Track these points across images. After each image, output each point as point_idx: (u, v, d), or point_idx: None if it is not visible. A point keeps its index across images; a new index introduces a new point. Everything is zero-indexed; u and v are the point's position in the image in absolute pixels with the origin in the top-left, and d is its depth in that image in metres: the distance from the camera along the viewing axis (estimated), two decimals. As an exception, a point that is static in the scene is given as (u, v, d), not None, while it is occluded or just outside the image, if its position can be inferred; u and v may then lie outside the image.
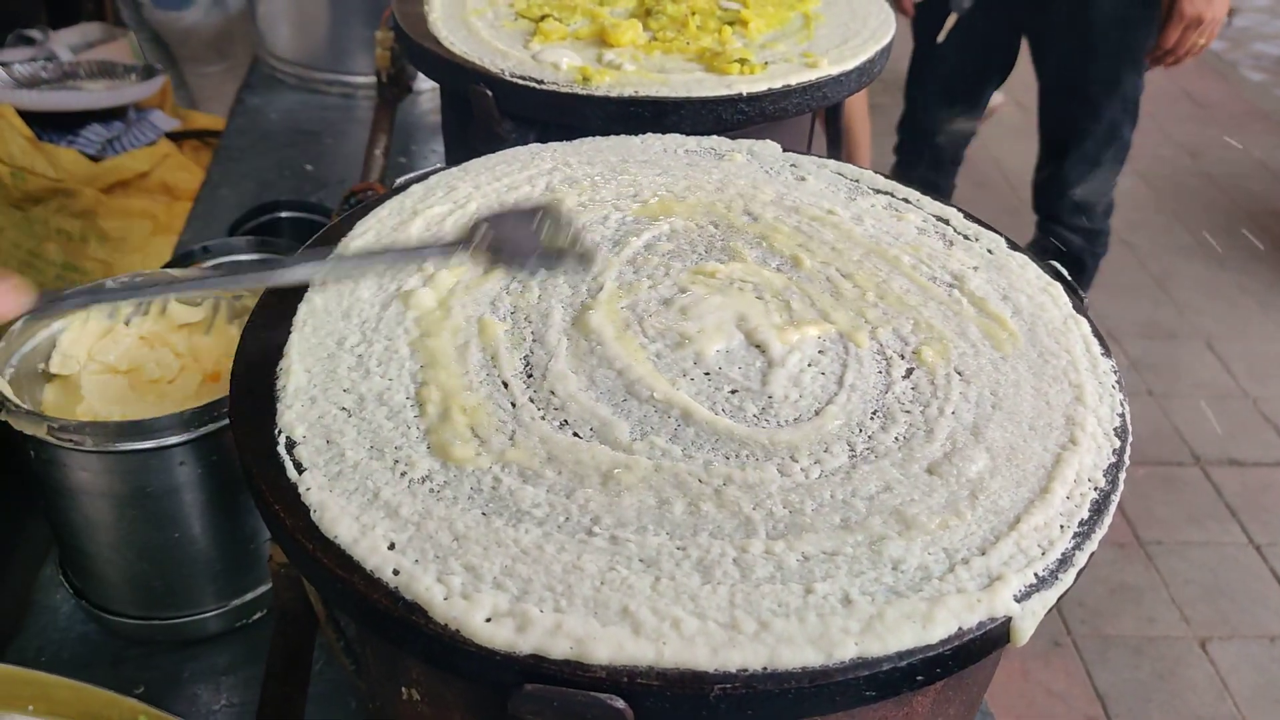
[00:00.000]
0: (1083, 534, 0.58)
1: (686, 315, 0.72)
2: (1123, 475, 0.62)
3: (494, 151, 0.93)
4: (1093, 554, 0.58)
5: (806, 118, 1.22)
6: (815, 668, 0.50)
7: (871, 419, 0.65)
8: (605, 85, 1.05)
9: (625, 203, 0.85)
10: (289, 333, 0.70)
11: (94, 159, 2.05)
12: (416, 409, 0.64)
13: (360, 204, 0.92)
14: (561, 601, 0.52)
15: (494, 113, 1.06)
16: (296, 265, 0.69)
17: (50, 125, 2.07)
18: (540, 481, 0.59)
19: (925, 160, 2.81)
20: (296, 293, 0.74)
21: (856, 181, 0.90)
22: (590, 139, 0.95)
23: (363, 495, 0.58)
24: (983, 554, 0.56)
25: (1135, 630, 2.34)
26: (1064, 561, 0.56)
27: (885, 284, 0.76)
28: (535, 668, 0.50)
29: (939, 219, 0.85)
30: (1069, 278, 0.79)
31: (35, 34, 2.30)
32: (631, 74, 1.07)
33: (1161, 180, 4.12)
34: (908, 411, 0.65)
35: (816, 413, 0.65)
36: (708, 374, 0.68)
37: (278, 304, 0.73)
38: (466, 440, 0.62)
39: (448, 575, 0.53)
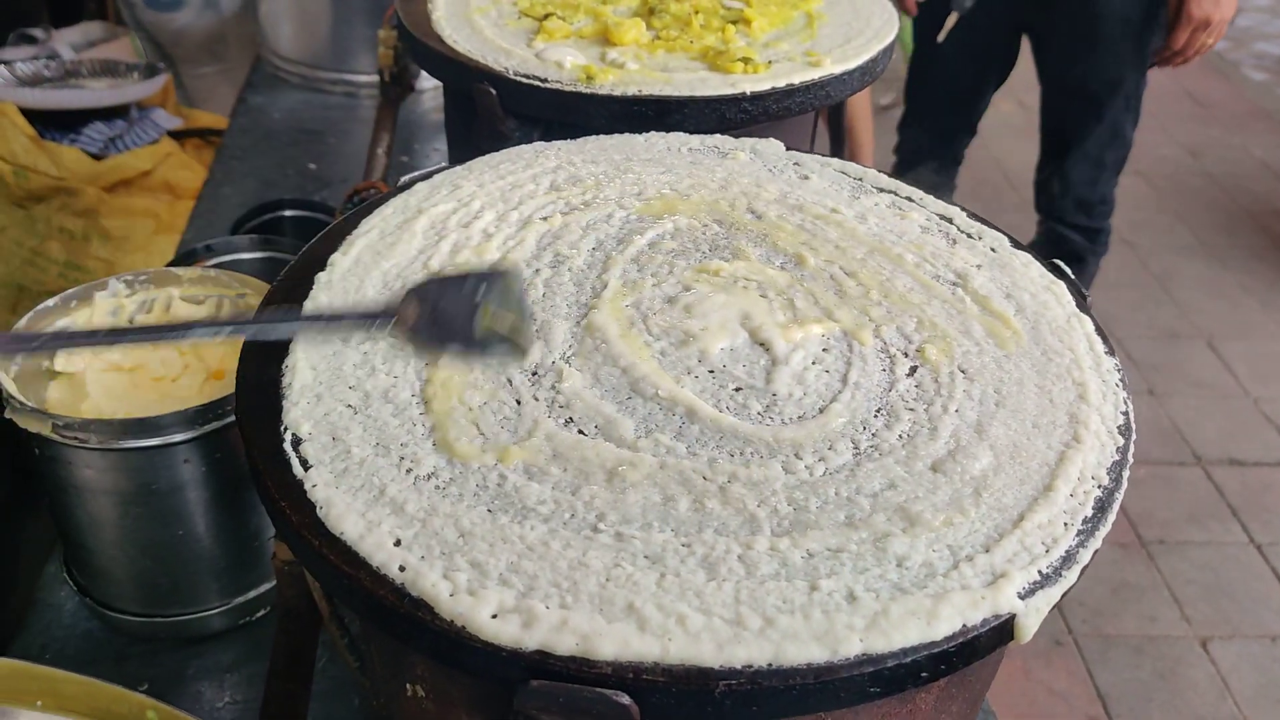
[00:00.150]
0: (1086, 531, 0.58)
1: (691, 313, 0.72)
2: (1126, 473, 0.62)
3: (498, 150, 0.93)
4: (1096, 551, 0.58)
5: (809, 116, 1.23)
6: (820, 664, 0.51)
7: (875, 416, 0.65)
8: (609, 84, 1.05)
9: (629, 201, 0.85)
10: (294, 330, 0.70)
11: (96, 157, 2.05)
12: (422, 406, 0.64)
13: (363, 202, 0.92)
14: (567, 598, 0.53)
15: (498, 111, 1.06)
16: (210, 326, 0.62)
17: (52, 124, 2.07)
18: (545, 478, 0.59)
19: (926, 159, 2.82)
20: (301, 291, 0.74)
21: (860, 180, 0.90)
22: (594, 137, 0.95)
23: (368, 492, 0.58)
24: (987, 551, 0.56)
25: (1136, 629, 2.34)
26: (1068, 559, 0.57)
27: (889, 282, 0.76)
28: (541, 664, 0.50)
29: (942, 217, 0.85)
30: (1072, 276, 0.79)
31: (37, 33, 2.31)
32: (635, 73, 1.07)
33: (1163, 180, 4.12)
34: (911, 409, 0.65)
35: (821, 410, 0.65)
36: (712, 372, 0.68)
37: (283, 302, 0.74)
38: (472, 437, 0.62)
39: (453, 571, 0.54)
